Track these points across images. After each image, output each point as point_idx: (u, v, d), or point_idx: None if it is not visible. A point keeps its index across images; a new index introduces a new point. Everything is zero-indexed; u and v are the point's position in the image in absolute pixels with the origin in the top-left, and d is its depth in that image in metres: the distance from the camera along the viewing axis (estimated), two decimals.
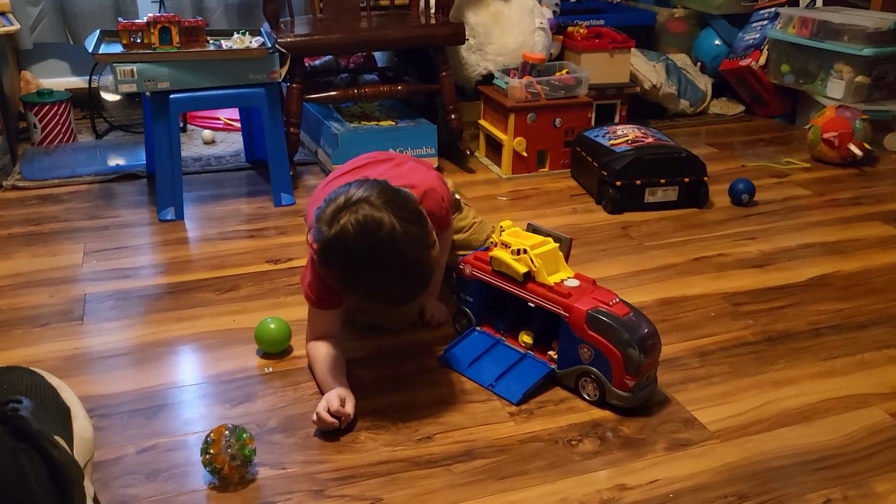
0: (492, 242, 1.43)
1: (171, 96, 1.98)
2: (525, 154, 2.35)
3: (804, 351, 1.49)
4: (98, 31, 2.07)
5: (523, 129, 2.33)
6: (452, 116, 2.38)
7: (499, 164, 2.43)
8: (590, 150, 2.23)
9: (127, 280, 1.74)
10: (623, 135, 2.21)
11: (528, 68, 2.37)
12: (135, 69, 1.93)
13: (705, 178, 2.14)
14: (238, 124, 2.61)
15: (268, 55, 2.03)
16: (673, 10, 3.07)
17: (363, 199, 1.21)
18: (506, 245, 1.39)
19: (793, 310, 1.64)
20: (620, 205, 2.11)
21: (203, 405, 1.33)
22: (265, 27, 2.22)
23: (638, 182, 2.10)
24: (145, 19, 1.95)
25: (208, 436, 1.13)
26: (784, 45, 2.76)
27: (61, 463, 0.89)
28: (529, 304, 1.38)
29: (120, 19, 2.01)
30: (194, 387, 1.38)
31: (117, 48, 1.98)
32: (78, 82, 2.83)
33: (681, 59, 2.99)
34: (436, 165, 2.36)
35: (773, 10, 2.88)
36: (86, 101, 2.74)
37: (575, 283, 1.35)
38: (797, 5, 2.94)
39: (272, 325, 1.45)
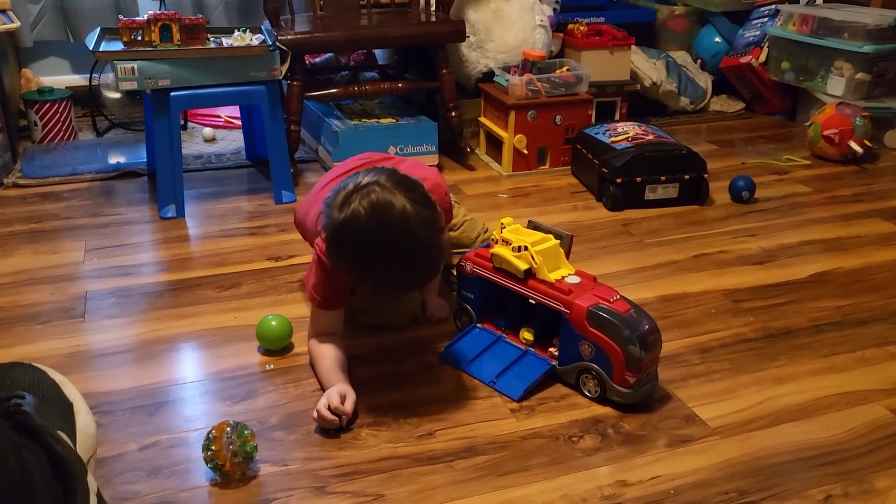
0: (493, 239, 1.44)
1: (172, 94, 1.98)
2: (525, 151, 2.35)
3: (805, 347, 1.49)
4: (98, 29, 2.07)
5: (524, 127, 2.33)
6: (453, 114, 2.39)
7: (499, 161, 2.43)
8: (590, 147, 2.23)
9: (128, 277, 1.74)
10: (623, 132, 2.22)
11: (528, 66, 2.37)
12: (135, 67, 1.93)
13: (706, 176, 2.14)
14: (239, 122, 2.61)
15: (268, 53, 2.03)
16: (673, 8, 3.07)
17: (373, 183, 1.21)
18: (507, 242, 1.39)
19: (793, 306, 1.64)
20: (621, 202, 2.11)
21: (204, 402, 1.33)
22: (266, 25, 2.22)
23: (638, 179, 2.10)
24: (146, 17, 1.95)
25: (210, 432, 1.14)
26: (784, 42, 2.76)
27: (64, 458, 0.89)
28: (530, 300, 1.38)
29: (120, 17, 2.01)
30: (196, 384, 1.38)
31: (118, 46, 1.98)
32: (78, 80, 2.84)
33: (681, 57, 2.99)
34: (436, 163, 2.36)
35: (773, 7, 2.88)
36: (86, 99, 2.74)
37: (576, 279, 1.35)
38: (797, 2, 2.95)
39: (273, 322, 1.45)
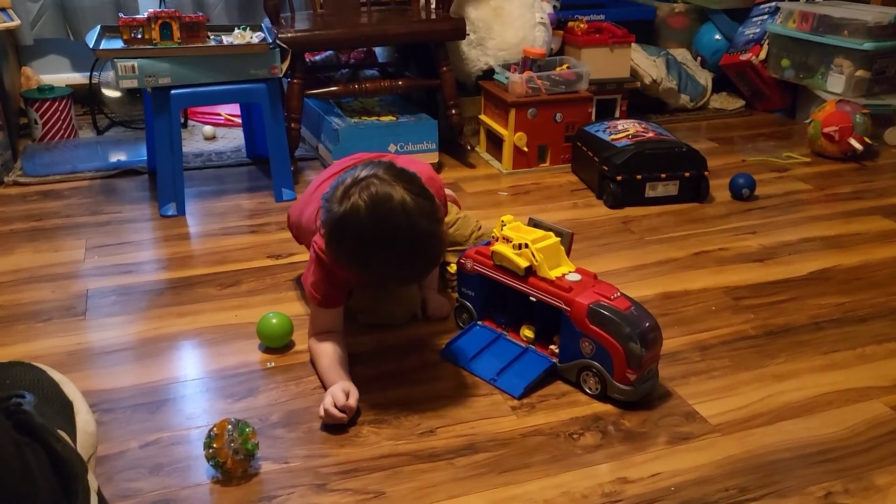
0: (493, 237, 1.44)
1: (172, 92, 1.98)
2: (526, 149, 2.35)
3: (805, 344, 1.49)
4: (99, 27, 2.07)
5: (524, 124, 2.33)
6: (453, 112, 2.39)
7: (499, 159, 2.43)
8: (590, 144, 2.23)
9: (129, 275, 1.75)
10: (623, 130, 2.22)
11: (528, 63, 2.37)
12: (136, 65, 1.93)
13: (706, 173, 2.14)
14: (239, 120, 2.61)
15: (268, 51, 2.03)
16: (673, 5, 3.07)
17: (372, 176, 1.22)
18: (507, 240, 1.40)
19: (793, 304, 1.64)
20: (621, 199, 2.11)
21: (205, 400, 1.33)
22: (266, 23, 2.22)
23: (638, 177, 2.10)
24: (146, 15, 1.94)
25: (211, 430, 1.14)
26: (784, 39, 2.76)
27: (64, 457, 0.89)
28: (531, 298, 1.38)
29: (120, 15, 2.01)
30: (197, 381, 1.38)
31: (118, 44, 1.98)
32: (79, 78, 2.84)
33: (681, 54, 2.99)
34: (436, 161, 2.36)
35: (773, 4, 2.88)
36: (86, 97, 2.74)
37: (576, 277, 1.35)
38: (797, 0, 2.94)
39: (274, 320, 1.45)
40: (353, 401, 1.25)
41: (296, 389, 1.35)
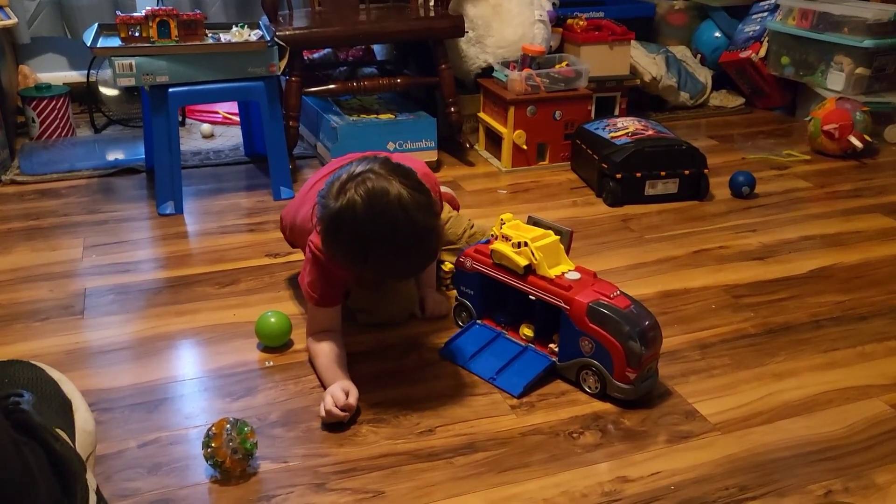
0: (492, 235, 1.43)
1: (170, 90, 1.97)
2: (525, 147, 2.35)
3: (805, 343, 1.49)
4: (96, 25, 2.07)
5: (523, 122, 2.32)
6: (452, 109, 2.38)
7: (499, 157, 2.42)
8: (590, 142, 2.23)
9: (127, 274, 1.74)
10: (623, 127, 2.21)
11: (527, 61, 2.37)
12: (133, 63, 1.92)
13: (705, 171, 2.14)
14: (237, 118, 2.61)
15: (266, 48, 2.02)
16: (673, 2, 3.06)
17: (368, 171, 1.22)
18: (506, 238, 1.39)
19: (793, 302, 1.64)
20: (621, 197, 2.11)
21: (204, 399, 1.33)
22: (264, 20, 2.21)
23: (638, 174, 2.10)
24: (143, 13, 1.94)
25: (210, 429, 1.14)
26: (784, 36, 2.75)
27: (63, 456, 0.89)
28: (530, 296, 1.37)
29: (118, 13, 2.00)
30: (195, 381, 1.38)
31: (115, 42, 1.97)
32: (76, 76, 2.83)
33: (681, 52, 2.98)
34: (435, 159, 2.36)
35: (772, 1, 2.88)
36: (84, 96, 2.74)
37: (576, 275, 1.35)
38: None
39: (272, 319, 1.45)
40: (353, 399, 1.25)
41: (294, 388, 1.35)
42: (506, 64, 2.41)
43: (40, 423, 0.90)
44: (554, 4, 2.69)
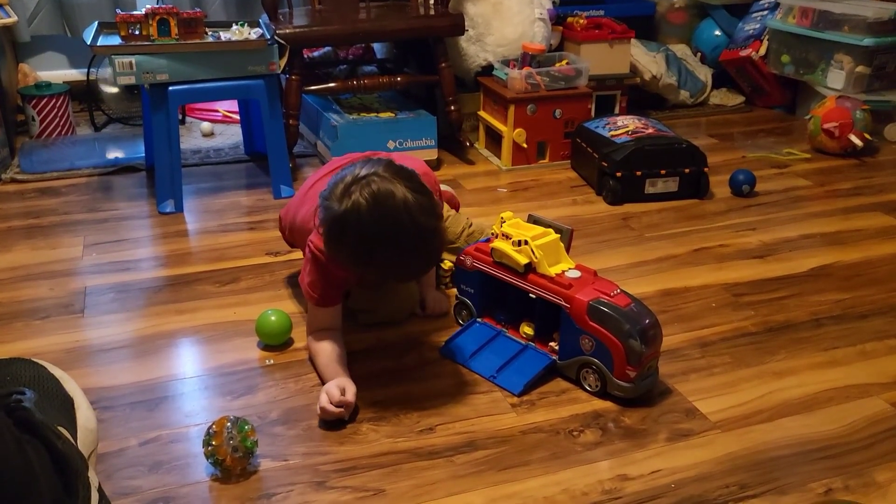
0: (493, 233, 1.43)
1: (170, 88, 1.97)
2: (525, 145, 2.35)
3: (805, 341, 1.49)
4: (96, 23, 2.07)
5: (523, 121, 2.32)
6: (452, 108, 2.38)
7: (499, 155, 2.42)
8: (590, 141, 2.23)
9: (127, 273, 1.74)
10: (623, 126, 2.21)
11: (527, 59, 2.37)
12: (133, 61, 1.92)
13: (706, 169, 2.14)
14: (237, 116, 2.60)
15: (267, 47, 2.02)
16: (673, 1, 3.06)
17: (372, 174, 1.22)
18: (507, 236, 1.39)
19: (793, 300, 1.64)
20: (621, 196, 2.11)
21: (204, 397, 1.33)
22: (264, 18, 2.21)
23: (638, 173, 2.10)
24: (143, 11, 1.94)
25: (210, 428, 1.14)
26: (784, 35, 2.75)
27: (65, 454, 0.89)
28: (530, 295, 1.38)
29: (118, 11, 2.00)
30: (195, 379, 1.38)
31: (115, 40, 1.97)
32: (76, 75, 2.83)
33: (681, 50, 2.98)
34: (435, 157, 2.36)
35: (772, 0, 2.88)
36: (84, 94, 2.74)
37: (576, 274, 1.35)
38: None
39: (273, 318, 1.45)
40: (350, 396, 1.25)
41: (295, 387, 1.35)
42: (506, 62, 2.41)
43: (42, 421, 0.90)
44: (554, 3, 2.69)
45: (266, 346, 1.46)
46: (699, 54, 3.02)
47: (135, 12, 1.98)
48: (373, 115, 2.37)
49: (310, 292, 1.37)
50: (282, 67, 2.08)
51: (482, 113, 2.51)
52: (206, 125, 2.66)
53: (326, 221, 1.23)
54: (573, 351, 1.33)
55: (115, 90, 2.78)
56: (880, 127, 2.57)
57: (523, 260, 1.36)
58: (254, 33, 2.05)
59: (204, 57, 1.98)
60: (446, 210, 1.71)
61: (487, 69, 2.48)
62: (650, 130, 2.18)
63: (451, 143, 2.48)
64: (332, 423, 1.25)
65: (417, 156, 2.28)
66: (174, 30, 1.95)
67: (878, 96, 2.58)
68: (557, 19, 2.66)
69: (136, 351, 1.46)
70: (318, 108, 2.43)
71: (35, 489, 0.82)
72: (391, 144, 2.29)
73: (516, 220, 1.43)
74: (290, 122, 2.27)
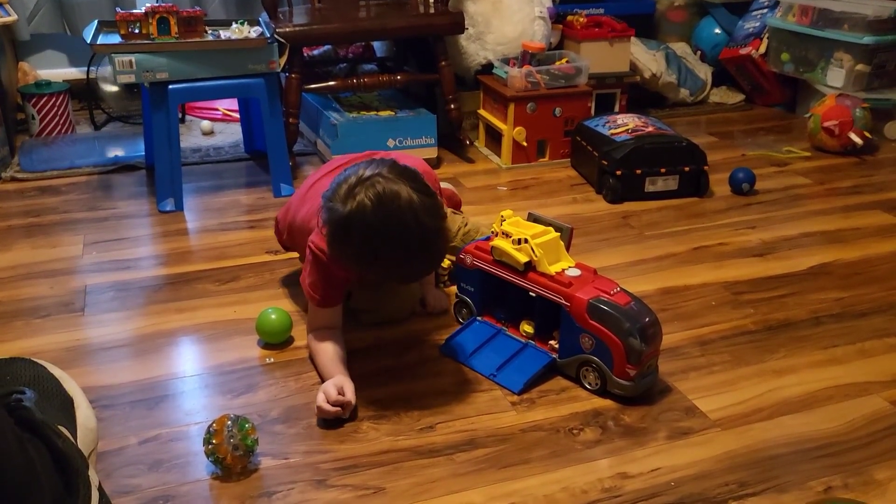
0: (493, 232, 1.43)
1: (170, 87, 1.97)
2: (525, 144, 2.35)
3: (804, 339, 1.49)
4: (96, 22, 2.07)
5: (523, 119, 2.32)
6: (452, 106, 2.38)
7: (498, 153, 2.42)
8: (590, 139, 2.23)
9: (127, 271, 1.74)
10: (623, 124, 2.21)
11: (527, 57, 2.37)
12: (133, 60, 1.92)
13: (705, 168, 2.14)
14: (237, 115, 2.60)
15: (266, 45, 2.02)
16: None
17: (376, 174, 1.21)
18: (507, 234, 1.39)
19: (793, 298, 1.64)
20: (621, 194, 2.11)
21: (204, 396, 1.33)
22: (263, 17, 2.21)
23: (638, 171, 2.10)
24: (143, 9, 1.94)
25: (210, 426, 1.14)
26: (784, 33, 2.75)
27: (65, 453, 0.89)
28: (530, 293, 1.38)
29: (118, 9, 2.00)
30: (195, 377, 1.38)
31: (115, 39, 1.97)
32: (76, 73, 2.83)
33: (681, 48, 2.98)
34: (435, 156, 2.36)
35: None
36: (84, 92, 2.74)
37: (576, 272, 1.35)
38: None
39: (273, 316, 1.45)
40: (349, 395, 1.25)
41: (295, 385, 1.35)
42: (506, 61, 2.41)
43: (43, 420, 0.90)
44: (554, 1, 2.69)
45: (266, 345, 1.46)
46: (699, 52, 3.02)
47: (134, 11, 1.98)
48: (373, 113, 2.37)
49: (311, 293, 1.37)
50: (282, 66, 2.08)
51: (482, 111, 2.51)
52: (205, 124, 2.66)
53: (331, 223, 1.23)
54: (573, 349, 1.33)
55: (114, 89, 2.78)
56: (880, 125, 2.57)
57: (523, 258, 1.36)
58: (254, 32, 2.05)
59: (204, 55, 1.98)
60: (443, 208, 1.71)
61: (487, 67, 2.48)
62: (650, 129, 2.18)
63: (451, 142, 2.48)
64: (333, 421, 1.25)
65: (417, 154, 2.29)
66: (174, 28, 1.95)
67: (878, 94, 2.58)
68: (557, 17, 2.66)
69: (136, 349, 1.46)
70: (318, 106, 2.43)
71: (36, 488, 0.83)
72: (391, 143, 2.29)
73: (516, 219, 1.43)
74: (290, 120, 2.27)
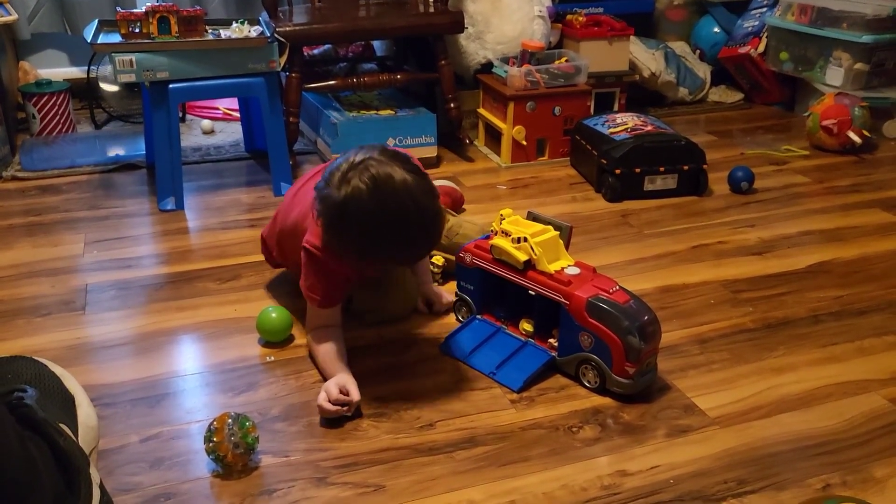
0: (492, 230, 1.44)
1: (170, 86, 1.98)
2: (524, 143, 2.35)
3: (803, 337, 1.50)
4: (96, 21, 2.07)
5: (522, 118, 2.32)
6: (451, 105, 2.38)
7: (498, 152, 2.43)
8: (589, 138, 2.23)
9: (128, 270, 1.75)
10: (622, 123, 2.21)
11: (527, 57, 2.37)
12: (133, 59, 1.93)
13: (704, 166, 2.14)
14: (237, 114, 2.61)
15: (267, 44, 2.02)
16: None
17: (368, 159, 1.22)
18: (506, 233, 1.40)
19: (792, 297, 1.64)
20: (620, 193, 2.11)
21: (205, 394, 1.33)
22: (264, 16, 2.21)
23: (637, 170, 2.10)
24: (143, 9, 1.94)
25: (211, 424, 1.14)
26: (783, 32, 2.76)
27: (66, 451, 0.90)
28: (530, 292, 1.38)
29: (118, 9, 2.00)
30: (196, 376, 1.38)
31: (116, 38, 1.97)
32: (76, 72, 2.83)
33: (680, 47, 2.98)
34: (435, 155, 2.36)
35: None
36: (84, 92, 2.74)
37: (575, 270, 1.36)
38: None
39: (273, 314, 1.45)
40: (354, 393, 1.25)
41: (295, 383, 1.35)
42: (505, 60, 2.41)
43: (44, 419, 0.91)
44: (553, 0, 2.69)
45: (267, 343, 1.46)
46: (698, 51, 3.03)
47: (135, 10, 1.98)
48: (373, 112, 2.37)
49: (311, 295, 1.37)
50: (282, 65, 2.09)
51: (482, 110, 2.51)
52: (206, 123, 2.66)
53: (326, 210, 1.23)
54: (572, 347, 1.34)
55: (115, 88, 2.79)
56: (879, 124, 2.57)
57: (523, 257, 1.37)
58: (254, 31, 2.05)
59: (204, 55, 1.98)
60: None
61: (487, 66, 2.48)
62: (649, 128, 2.18)
63: (451, 141, 2.48)
64: (333, 419, 1.25)
65: (417, 153, 2.29)
66: (174, 27, 1.95)
67: (877, 93, 2.58)
68: (557, 17, 2.66)
69: (137, 348, 1.46)
70: (318, 105, 2.43)
71: (38, 486, 0.83)
72: (391, 142, 2.29)
73: (516, 217, 1.43)
74: (291, 119, 2.27)
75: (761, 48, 2.82)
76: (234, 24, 2.08)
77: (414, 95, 2.61)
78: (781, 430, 1.24)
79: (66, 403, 1.01)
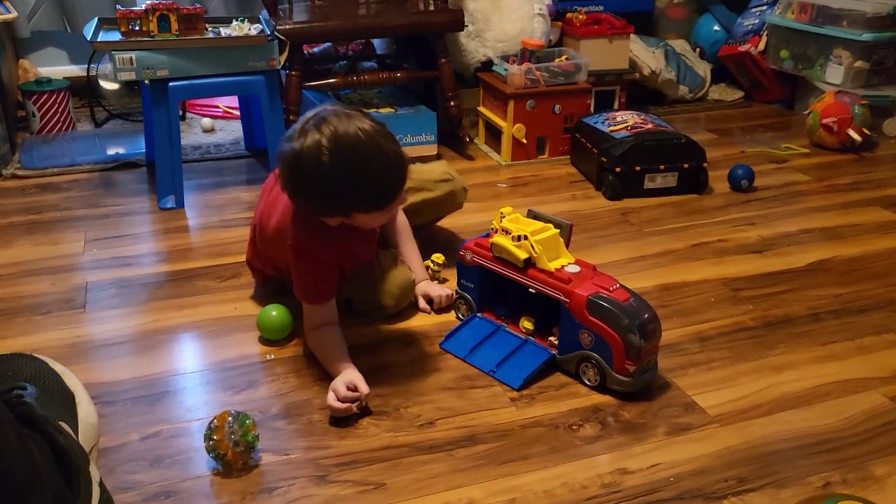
0: (492, 229, 1.44)
1: (170, 84, 1.97)
2: (524, 141, 2.35)
3: (803, 336, 1.50)
4: (96, 19, 2.07)
5: (522, 116, 2.32)
6: (451, 103, 2.38)
7: (498, 150, 2.43)
8: (589, 136, 2.23)
9: (128, 268, 1.75)
10: (622, 121, 2.21)
11: (527, 55, 2.37)
12: (133, 57, 1.93)
13: (705, 164, 2.14)
14: (237, 112, 2.61)
15: (267, 42, 2.02)
16: None
17: (324, 115, 1.24)
18: (506, 231, 1.40)
19: (792, 295, 1.64)
20: (620, 191, 2.11)
21: (206, 392, 1.33)
22: (264, 14, 2.21)
23: (637, 168, 2.10)
24: (143, 7, 1.94)
25: (211, 422, 1.14)
26: (783, 30, 2.75)
27: (66, 448, 0.90)
28: (530, 290, 1.38)
29: (118, 7, 2.00)
30: (196, 374, 1.38)
31: (115, 36, 1.97)
32: (76, 70, 2.83)
33: (680, 45, 2.98)
34: (435, 153, 2.36)
35: None
36: (84, 90, 2.74)
37: (575, 268, 1.36)
38: None
39: (273, 313, 1.45)
40: (362, 387, 1.25)
41: (296, 381, 1.35)
42: (505, 58, 2.41)
43: (44, 416, 0.91)
44: None
45: (267, 341, 1.47)
46: (698, 50, 3.02)
47: (135, 8, 1.98)
48: (373, 110, 2.37)
49: (302, 292, 1.37)
50: (282, 63, 2.09)
51: (482, 108, 2.51)
52: (206, 121, 2.66)
53: (287, 166, 1.24)
54: (572, 345, 1.34)
55: (115, 86, 2.79)
56: (879, 122, 2.57)
57: (523, 255, 1.37)
58: (254, 29, 2.05)
59: (204, 53, 1.98)
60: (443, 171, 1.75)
61: (487, 65, 2.48)
62: (649, 126, 2.18)
63: (451, 139, 2.48)
64: (333, 417, 1.25)
65: (417, 151, 2.30)
66: (174, 26, 1.95)
67: (877, 91, 2.58)
68: (557, 15, 2.66)
69: (137, 346, 1.46)
70: (318, 103, 2.42)
71: (37, 484, 0.83)
72: None
73: (516, 216, 1.43)
74: (291, 117, 2.27)
75: (761, 46, 2.82)
76: (234, 22, 2.07)
77: (414, 94, 2.61)
78: (781, 428, 1.24)
79: (67, 401, 1.01)
